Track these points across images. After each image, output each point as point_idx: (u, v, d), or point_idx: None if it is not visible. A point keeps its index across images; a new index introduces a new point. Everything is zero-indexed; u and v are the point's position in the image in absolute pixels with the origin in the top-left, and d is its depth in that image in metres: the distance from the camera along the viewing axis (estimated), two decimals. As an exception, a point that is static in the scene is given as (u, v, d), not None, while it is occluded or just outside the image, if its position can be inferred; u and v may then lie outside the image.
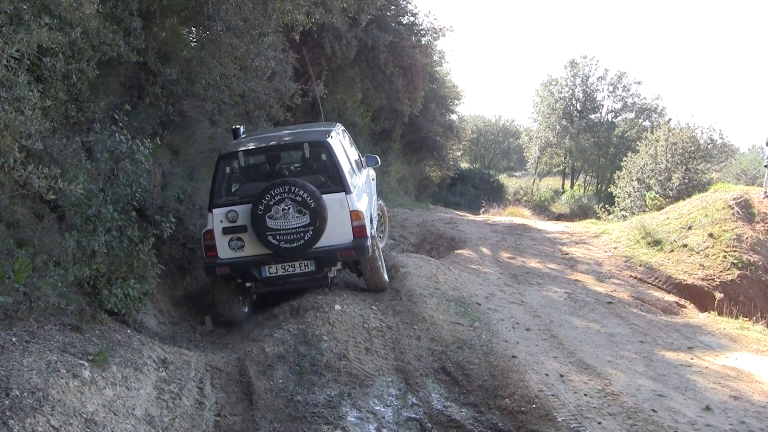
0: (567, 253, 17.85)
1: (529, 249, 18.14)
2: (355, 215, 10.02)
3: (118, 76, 10.26)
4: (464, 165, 55.60)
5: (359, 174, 11.81)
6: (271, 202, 9.60)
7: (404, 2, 25.90)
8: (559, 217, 36.31)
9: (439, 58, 33.09)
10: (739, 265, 16.58)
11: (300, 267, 9.97)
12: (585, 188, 53.13)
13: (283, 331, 8.78)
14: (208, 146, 13.89)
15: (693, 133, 30.82)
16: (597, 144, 51.65)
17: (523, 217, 28.43)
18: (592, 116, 53.53)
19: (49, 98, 7.03)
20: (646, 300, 14.39)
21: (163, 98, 11.16)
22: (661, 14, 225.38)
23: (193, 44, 12.18)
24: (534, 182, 53.06)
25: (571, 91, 53.63)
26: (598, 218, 30.29)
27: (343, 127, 12.58)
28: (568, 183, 55.10)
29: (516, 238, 19.62)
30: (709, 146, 32.06)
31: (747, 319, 13.64)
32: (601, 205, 34.06)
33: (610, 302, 13.28)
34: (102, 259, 7.49)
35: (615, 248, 18.37)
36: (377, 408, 7.17)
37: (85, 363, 5.93)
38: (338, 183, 10.13)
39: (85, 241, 7.36)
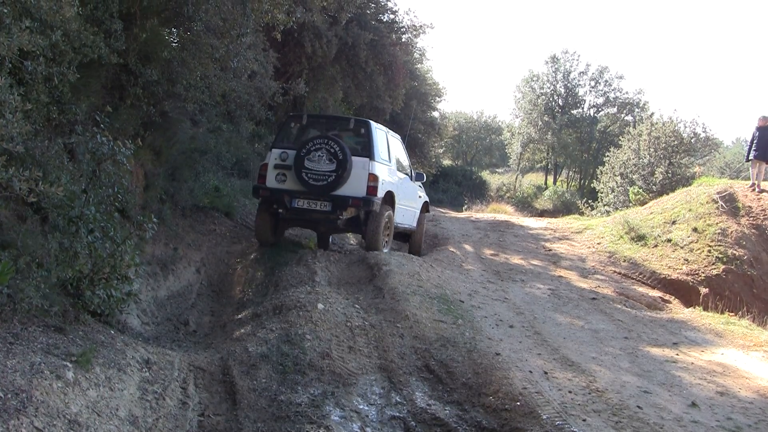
0: (550, 250, 17.93)
1: (512, 246, 18.21)
2: (372, 177, 12.95)
3: (99, 78, 10.23)
4: (446, 162, 55.77)
5: (399, 174, 14.85)
6: (312, 149, 12.76)
7: (384, 0, 25.89)
8: (542, 214, 36.34)
9: (420, 55, 33.21)
10: (724, 259, 16.65)
11: (320, 206, 12.92)
12: (568, 184, 53.08)
13: (265, 331, 8.76)
14: (189, 146, 13.98)
15: (676, 127, 30.91)
16: (579, 139, 51.71)
17: (506, 213, 28.56)
18: (574, 111, 53.63)
19: (30, 101, 7.02)
20: (630, 296, 14.46)
21: (144, 99, 11.12)
22: (642, 7, 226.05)
23: (173, 45, 12.15)
24: (516, 178, 52.98)
25: (552, 87, 53.62)
26: (581, 214, 30.48)
27: (398, 137, 16.12)
28: (550, 179, 55.10)
29: (499, 234, 19.70)
30: (692, 140, 32.10)
31: (732, 314, 13.69)
32: (584, 200, 34.23)
33: (594, 298, 13.35)
34: (85, 260, 7.45)
35: (598, 244, 18.45)
36: (361, 407, 7.19)
37: (68, 364, 5.91)
38: (367, 151, 13.15)
39: (68, 242, 7.33)
